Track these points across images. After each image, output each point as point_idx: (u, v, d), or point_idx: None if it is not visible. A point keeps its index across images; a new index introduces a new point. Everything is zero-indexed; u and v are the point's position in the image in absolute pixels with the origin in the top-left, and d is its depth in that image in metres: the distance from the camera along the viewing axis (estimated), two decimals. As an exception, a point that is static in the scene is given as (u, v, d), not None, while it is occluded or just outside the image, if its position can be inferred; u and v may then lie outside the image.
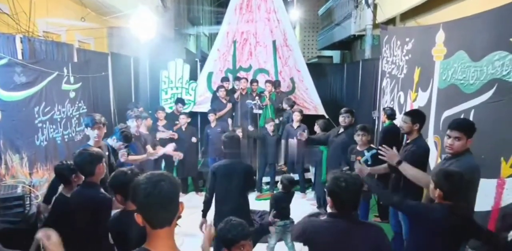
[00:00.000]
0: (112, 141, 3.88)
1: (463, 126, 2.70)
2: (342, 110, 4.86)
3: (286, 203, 4.01)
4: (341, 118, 4.80)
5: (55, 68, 4.27)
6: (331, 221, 2.04)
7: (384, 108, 5.35)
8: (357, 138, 4.25)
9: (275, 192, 6.10)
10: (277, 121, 6.66)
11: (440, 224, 2.33)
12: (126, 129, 3.90)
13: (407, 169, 2.99)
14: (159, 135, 5.83)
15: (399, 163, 3.01)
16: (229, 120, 6.94)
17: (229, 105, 6.85)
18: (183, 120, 6.20)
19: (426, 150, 3.43)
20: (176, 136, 5.95)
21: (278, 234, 3.93)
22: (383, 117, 5.18)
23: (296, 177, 6.38)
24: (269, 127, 6.32)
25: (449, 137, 2.71)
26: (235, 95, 6.89)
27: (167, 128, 6.14)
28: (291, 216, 4.70)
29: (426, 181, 2.70)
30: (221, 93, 6.80)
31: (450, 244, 2.37)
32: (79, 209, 2.46)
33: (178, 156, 5.48)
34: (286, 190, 4.03)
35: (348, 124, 4.76)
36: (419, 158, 3.31)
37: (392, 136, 4.76)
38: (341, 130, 4.84)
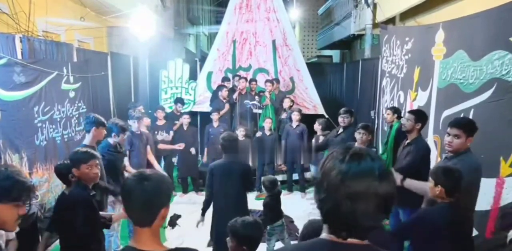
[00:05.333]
0: (114, 138, 3.89)
1: (462, 124, 2.71)
2: (341, 110, 4.85)
3: (276, 205, 3.98)
4: (340, 119, 4.80)
5: (54, 68, 4.27)
6: None
7: (391, 108, 5.30)
8: (357, 136, 4.23)
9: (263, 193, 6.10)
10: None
11: (442, 223, 2.32)
12: (117, 120, 3.91)
13: (411, 184, 2.95)
14: (160, 147, 5.93)
15: (403, 180, 3.01)
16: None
17: (227, 106, 6.84)
18: (186, 120, 6.22)
19: (428, 150, 3.45)
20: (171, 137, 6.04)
21: (277, 235, 3.93)
22: (391, 117, 5.13)
23: (295, 176, 6.43)
24: (266, 126, 6.32)
25: (449, 134, 2.72)
26: (234, 96, 6.88)
27: (167, 127, 6.15)
28: (291, 216, 4.71)
29: None
30: (224, 93, 6.79)
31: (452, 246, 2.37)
32: (67, 208, 2.50)
33: (179, 146, 5.81)
34: (270, 192, 3.97)
35: (347, 124, 4.76)
36: (422, 158, 3.31)
37: (403, 137, 4.79)
38: (341, 130, 4.85)
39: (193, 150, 6.23)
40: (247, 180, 3.68)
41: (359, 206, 1.02)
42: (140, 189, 1.36)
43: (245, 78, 7.16)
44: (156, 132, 6.04)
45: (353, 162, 1.04)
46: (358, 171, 1.03)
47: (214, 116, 6.33)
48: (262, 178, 4.15)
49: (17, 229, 1.70)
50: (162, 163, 6.34)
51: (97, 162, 2.69)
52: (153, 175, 1.41)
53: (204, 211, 3.70)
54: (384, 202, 1.04)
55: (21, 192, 1.58)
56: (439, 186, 2.39)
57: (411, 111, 3.61)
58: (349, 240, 1.08)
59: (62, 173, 2.70)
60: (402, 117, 5.01)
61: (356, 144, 4.26)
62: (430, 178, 2.49)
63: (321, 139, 5.56)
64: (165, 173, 1.52)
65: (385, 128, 5.55)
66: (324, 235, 1.12)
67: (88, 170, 2.60)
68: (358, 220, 1.04)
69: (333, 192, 1.04)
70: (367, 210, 1.03)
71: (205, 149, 6.45)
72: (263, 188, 4.08)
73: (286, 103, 6.74)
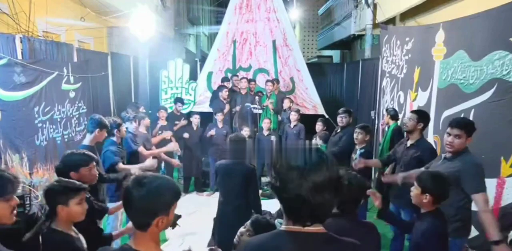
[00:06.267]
0: (117, 134, 3.91)
1: (463, 124, 2.71)
2: (340, 110, 4.88)
3: None
4: (338, 119, 4.83)
5: (55, 68, 4.27)
6: (331, 221, 2.03)
7: (387, 109, 5.33)
8: (354, 135, 4.29)
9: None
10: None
11: (435, 236, 2.30)
12: (108, 119, 3.93)
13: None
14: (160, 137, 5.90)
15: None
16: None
17: (227, 107, 6.82)
18: (196, 120, 6.30)
19: (433, 152, 3.44)
20: (169, 135, 6.00)
21: None
22: (386, 118, 5.15)
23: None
24: (265, 126, 6.33)
25: (449, 134, 2.71)
26: (237, 108, 6.83)
27: (168, 128, 6.15)
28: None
29: None
30: (224, 93, 6.78)
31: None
32: None
33: (175, 164, 5.53)
34: None
35: (346, 124, 4.78)
36: (428, 161, 3.30)
37: (400, 137, 4.78)
38: (338, 129, 4.87)
39: (186, 135, 6.22)
40: (251, 183, 3.59)
41: (320, 194, 1.15)
42: (135, 194, 1.33)
43: (246, 78, 7.16)
44: (160, 132, 6.05)
45: (306, 157, 1.18)
46: (314, 163, 1.16)
47: (219, 117, 6.32)
48: None
49: (14, 219, 1.76)
50: (163, 163, 6.35)
51: (95, 163, 2.66)
52: (151, 182, 1.35)
53: None
54: (336, 185, 1.19)
55: (5, 186, 1.64)
56: (427, 194, 2.27)
57: (413, 111, 3.62)
58: (306, 228, 1.20)
59: (63, 173, 2.70)
60: (398, 118, 5.04)
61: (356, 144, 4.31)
62: (416, 184, 2.36)
63: (317, 139, 5.60)
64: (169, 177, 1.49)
65: (386, 128, 5.56)
66: (282, 226, 1.25)
67: (88, 172, 2.57)
68: (320, 207, 1.17)
69: (294, 188, 1.16)
70: (326, 196, 1.16)
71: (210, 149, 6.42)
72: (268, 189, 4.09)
73: (286, 104, 6.74)
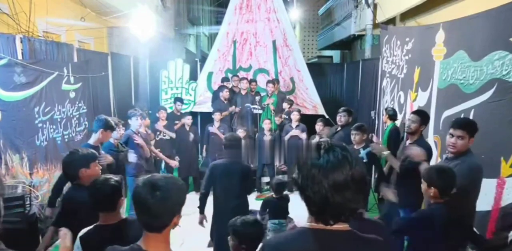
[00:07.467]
0: (119, 131, 3.94)
1: (466, 125, 2.70)
2: (340, 109, 4.90)
3: (278, 207, 3.99)
4: (337, 118, 4.84)
5: (55, 68, 4.27)
6: None
7: (386, 109, 5.34)
8: (352, 137, 4.28)
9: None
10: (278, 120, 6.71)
11: (438, 224, 2.32)
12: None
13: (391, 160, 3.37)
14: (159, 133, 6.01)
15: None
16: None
17: (233, 107, 6.85)
18: (188, 121, 6.28)
19: (430, 151, 3.45)
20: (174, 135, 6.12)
21: (273, 232, 3.94)
22: (384, 117, 5.17)
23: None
24: (266, 126, 6.33)
25: (452, 135, 2.70)
26: (235, 108, 6.89)
27: (168, 128, 6.15)
28: (291, 216, 4.72)
29: None
30: (225, 94, 6.79)
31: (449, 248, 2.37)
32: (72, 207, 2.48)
33: (174, 165, 5.72)
34: (277, 194, 3.99)
35: (344, 123, 4.79)
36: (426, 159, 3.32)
37: (397, 137, 4.78)
38: (338, 128, 4.88)
39: (192, 136, 6.33)
40: (247, 181, 3.66)
41: (340, 193, 1.14)
42: (152, 200, 1.30)
43: (246, 79, 7.16)
44: (158, 132, 6.05)
45: (329, 156, 1.16)
46: (336, 162, 1.15)
47: (216, 116, 6.33)
48: (272, 180, 4.18)
49: None
50: (163, 163, 6.35)
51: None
52: (164, 184, 1.34)
53: (201, 208, 3.66)
54: (362, 183, 1.18)
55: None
56: (432, 187, 2.36)
57: (416, 113, 3.58)
58: (331, 226, 1.19)
59: (72, 172, 2.70)
60: (396, 119, 5.03)
61: (354, 145, 4.29)
62: (422, 180, 2.45)
63: (317, 138, 5.58)
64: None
65: (385, 128, 5.56)
66: (307, 224, 1.23)
67: (97, 167, 2.62)
68: (340, 206, 1.15)
69: (314, 186, 1.15)
70: (346, 196, 1.14)
71: (204, 146, 6.49)
72: (269, 189, 4.11)
73: (285, 107, 6.73)
